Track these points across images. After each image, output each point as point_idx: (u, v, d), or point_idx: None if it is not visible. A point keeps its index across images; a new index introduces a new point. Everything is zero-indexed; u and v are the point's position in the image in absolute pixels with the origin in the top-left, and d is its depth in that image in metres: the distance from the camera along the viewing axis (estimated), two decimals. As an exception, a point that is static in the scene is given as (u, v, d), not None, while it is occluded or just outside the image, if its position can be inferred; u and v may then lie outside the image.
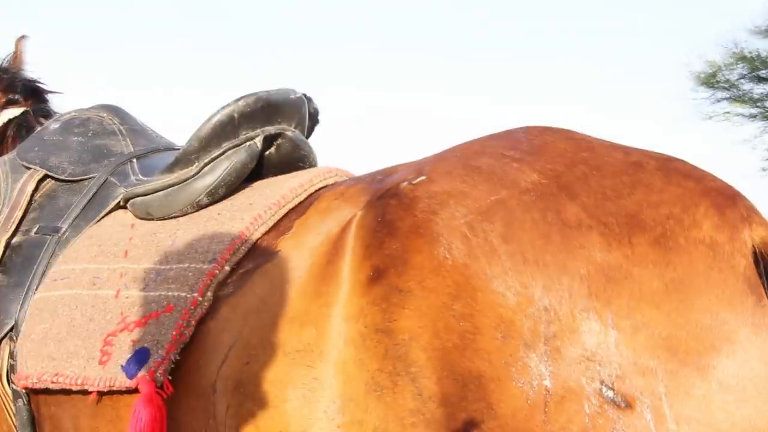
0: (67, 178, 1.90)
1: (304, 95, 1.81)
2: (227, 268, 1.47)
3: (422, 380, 1.16)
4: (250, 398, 1.33)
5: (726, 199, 1.18)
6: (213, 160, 1.65)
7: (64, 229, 1.79)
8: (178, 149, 1.79)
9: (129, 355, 1.45)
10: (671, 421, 1.05)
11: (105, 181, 1.84)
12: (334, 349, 1.26)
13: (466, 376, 1.13)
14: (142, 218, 1.70)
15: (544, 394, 1.09)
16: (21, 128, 2.30)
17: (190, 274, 1.48)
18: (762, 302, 1.10)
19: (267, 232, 1.50)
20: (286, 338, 1.32)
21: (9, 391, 1.68)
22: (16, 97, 2.37)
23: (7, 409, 1.71)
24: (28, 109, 2.34)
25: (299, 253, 1.40)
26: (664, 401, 1.06)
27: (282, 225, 1.50)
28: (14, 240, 1.83)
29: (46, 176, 1.92)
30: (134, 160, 1.88)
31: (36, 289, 1.70)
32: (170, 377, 1.42)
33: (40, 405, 1.64)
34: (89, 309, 1.57)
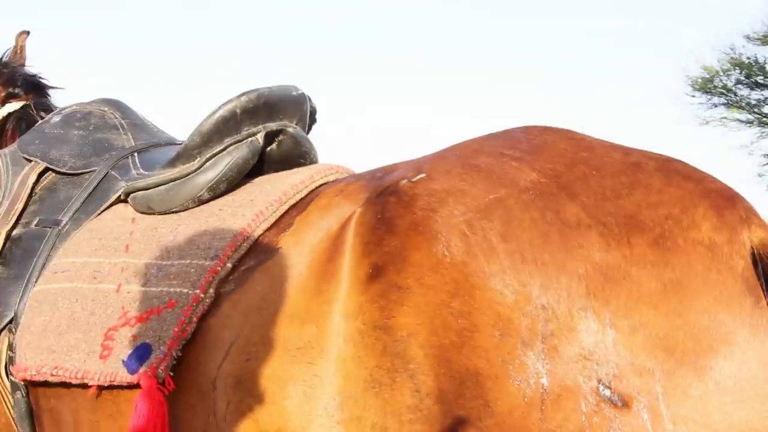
0: (68, 171, 1.90)
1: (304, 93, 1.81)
2: (229, 264, 1.47)
3: (420, 377, 1.16)
4: (251, 395, 1.33)
5: (725, 201, 1.18)
6: (215, 155, 1.66)
7: (64, 222, 1.79)
8: (180, 144, 1.80)
9: (130, 350, 1.45)
10: (668, 421, 1.06)
11: (106, 175, 1.84)
12: (334, 347, 1.26)
13: (464, 373, 1.13)
14: (142, 212, 1.70)
15: (541, 392, 1.09)
16: (21, 121, 2.31)
17: (192, 270, 1.48)
18: (760, 303, 1.10)
19: (268, 229, 1.51)
20: (286, 335, 1.32)
21: (8, 384, 1.68)
22: (17, 90, 2.38)
23: (5, 401, 1.71)
24: (29, 102, 2.34)
25: (300, 250, 1.40)
26: (661, 401, 1.06)
27: (283, 222, 1.51)
28: (14, 232, 1.83)
29: (47, 169, 1.92)
30: (135, 154, 1.88)
31: (36, 282, 1.70)
32: (171, 373, 1.42)
33: (39, 398, 1.63)
34: (90, 303, 1.57)
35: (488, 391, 1.12)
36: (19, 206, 1.86)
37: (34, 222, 1.83)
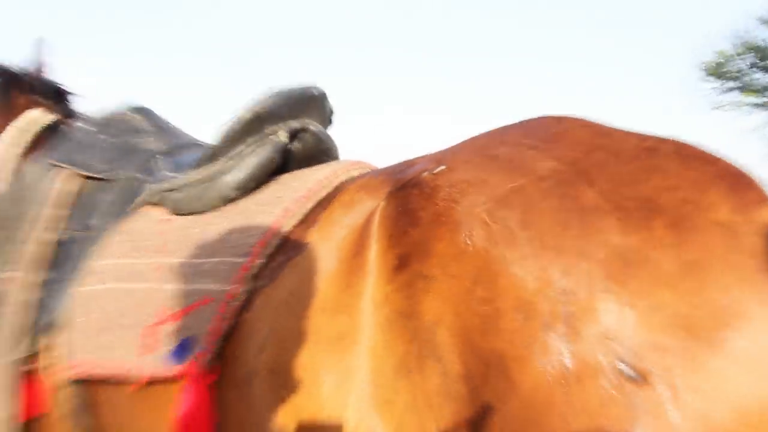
0: (96, 176, 1.93)
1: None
2: (260, 261, 1.51)
3: (447, 361, 1.19)
4: (285, 386, 1.37)
5: (742, 182, 1.19)
6: (240, 155, 1.70)
7: (95, 226, 1.83)
8: (206, 146, 1.84)
9: (173, 345, 1.49)
10: (686, 394, 1.07)
11: (134, 179, 1.88)
12: (365, 335, 1.30)
13: (489, 356, 1.16)
14: (172, 214, 1.73)
15: (563, 371, 1.11)
16: (47, 129, 2.35)
17: (225, 267, 1.52)
18: None
19: (296, 225, 1.54)
20: (319, 327, 1.36)
21: (54, 383, 1.72)
22: (41, 99, 2.42)
23: (50, 401, 1.75)
24: (54, 110, 2.38)
25: (327, 245, 1.44)
26: (679, 376, 1.08)
27: (309, 218, 1.54)
28: (48, 238, 1.87)
29: (75, 174, 1.96)
30: (162, 157, 1.92)
31: (73, 285, 1.74)
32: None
33: (82, 395, 1.67)
34: (126, 302, 1.61)
35: (513, 372, 1.14)
36: (50, 212, 1.90)
37: (66, 227, 1.87)
